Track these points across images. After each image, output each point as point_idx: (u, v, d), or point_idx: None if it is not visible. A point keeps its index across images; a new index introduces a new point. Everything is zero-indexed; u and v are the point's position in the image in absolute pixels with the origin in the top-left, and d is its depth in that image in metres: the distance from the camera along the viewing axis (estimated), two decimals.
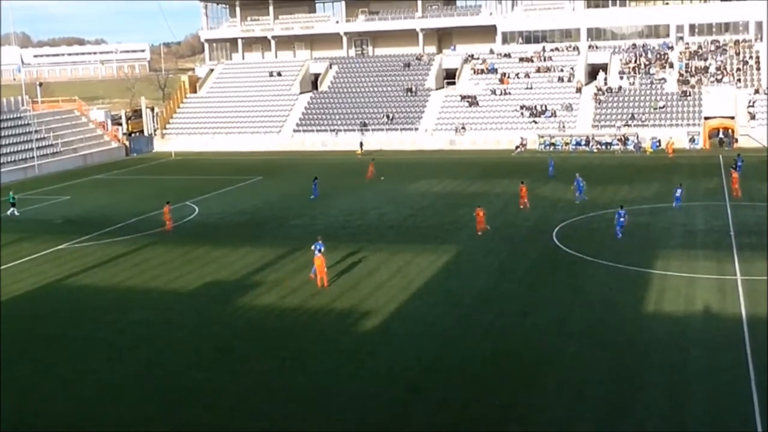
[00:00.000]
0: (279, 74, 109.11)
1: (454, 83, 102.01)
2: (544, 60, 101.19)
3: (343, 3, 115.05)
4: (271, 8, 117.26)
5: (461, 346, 29.74)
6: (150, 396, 26.33)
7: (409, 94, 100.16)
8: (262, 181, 72.40)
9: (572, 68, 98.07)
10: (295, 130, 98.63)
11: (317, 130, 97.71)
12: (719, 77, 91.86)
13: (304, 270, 39.89)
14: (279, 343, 30.74)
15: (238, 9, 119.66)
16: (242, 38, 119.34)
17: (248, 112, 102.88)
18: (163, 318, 34.44)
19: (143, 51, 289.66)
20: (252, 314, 34.50)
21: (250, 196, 64.16)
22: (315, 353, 29.54)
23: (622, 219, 45.41)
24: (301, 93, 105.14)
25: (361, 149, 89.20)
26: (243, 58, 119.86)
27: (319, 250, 38.46)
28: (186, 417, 24.76)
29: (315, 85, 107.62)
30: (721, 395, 24.76)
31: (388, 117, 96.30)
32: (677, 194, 53.16)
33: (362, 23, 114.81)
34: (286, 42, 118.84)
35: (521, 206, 54.30)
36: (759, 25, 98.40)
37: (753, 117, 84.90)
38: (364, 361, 28.75)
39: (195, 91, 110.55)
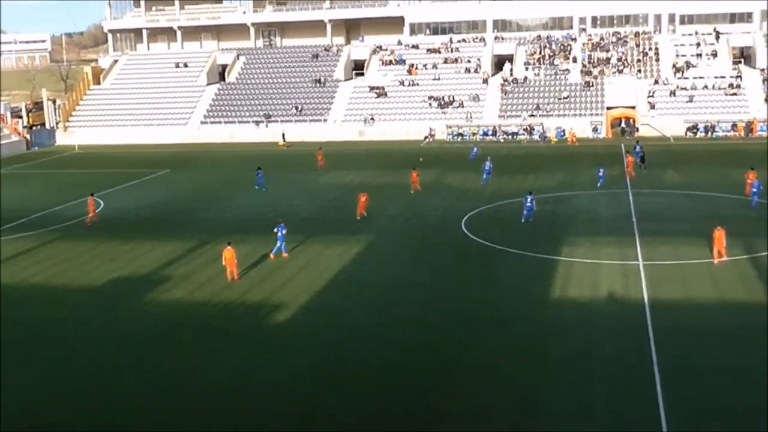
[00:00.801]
0: (185, 65, 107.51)
1: (362, 74, 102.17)
2: (452, 51, 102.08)
3: None
4: None
5: (374, 338, 29.89)
6: (59, 397, 25.73)
7: (318, 85, 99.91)
8: (170, 174, 71.30)
9: (479, 59, 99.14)
10: (202, 122, 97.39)
11: (225, 122, 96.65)
12: (620, 68, 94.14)
13: (214, 264, 39.50)
14: (188, 340, 30.37)
15: None
16: (147, 29, 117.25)
17: (154, 103, 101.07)
18: (70, 316, 33.67)
19: (44, 41, 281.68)
20: (160, 310, 34.00)
21: (158, 190, 63.14)
22: (226, 348, 29.30)
23: (528, 204, 46.53)
24: (208, 84, 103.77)
25: (284, 140, 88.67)
26: (148, 49, 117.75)
27: (282, 234, 40.44)
28: (96, 417, 24.27)
29: (222, 77, 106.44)
30: (625, 378, 25.44)
31: (296, 108, 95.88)
32: (600, 173, 57.16)
33: (270, 14, 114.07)
34: (193, 33, 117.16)
35: (412, 191, 56.37)
36: (658, 17, 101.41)
37: (653, 107, 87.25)
38: (276, 355, 28.63)
39: (99, 83, 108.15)
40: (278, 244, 40.72)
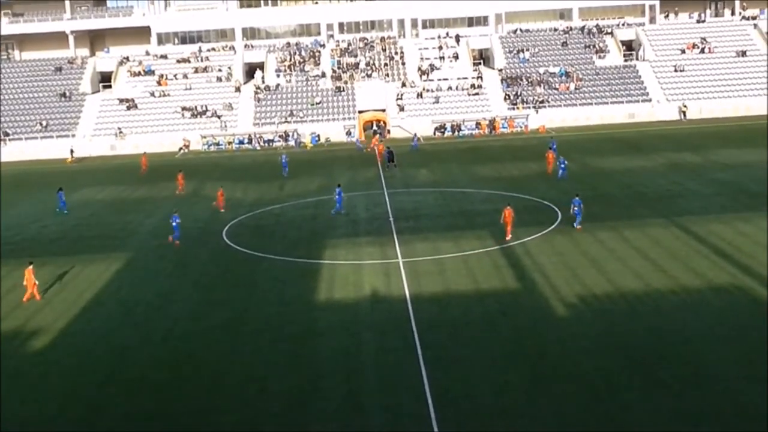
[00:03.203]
0: None
1: (110, 86, 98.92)
2: (202, 60, 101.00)
3: None
4: None
5: (140, 356, 29.15)
6: None
7: (63, 99, 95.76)
8: None
9: (230, 68, 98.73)
10: None
11: None
12: (369, 72, 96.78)
13: None
14: None
15: None
16: None
17: None
18: None
19: None
20: None
21: None
22: None
23: (338, 197, 50.08)
24: None
25: (72, 156, 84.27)
26: None
27: (176, 223, 44.87)
28: None
29: None
30: (393, 372, 26.31)
31: (41, 124, 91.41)
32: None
33: (5, 26, 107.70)
34: None
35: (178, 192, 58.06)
36: (401, 22, 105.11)
37: (402, 109, 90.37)
38: (35, 384, 27.25)
39: None
40: (175, 232, 44.95)
